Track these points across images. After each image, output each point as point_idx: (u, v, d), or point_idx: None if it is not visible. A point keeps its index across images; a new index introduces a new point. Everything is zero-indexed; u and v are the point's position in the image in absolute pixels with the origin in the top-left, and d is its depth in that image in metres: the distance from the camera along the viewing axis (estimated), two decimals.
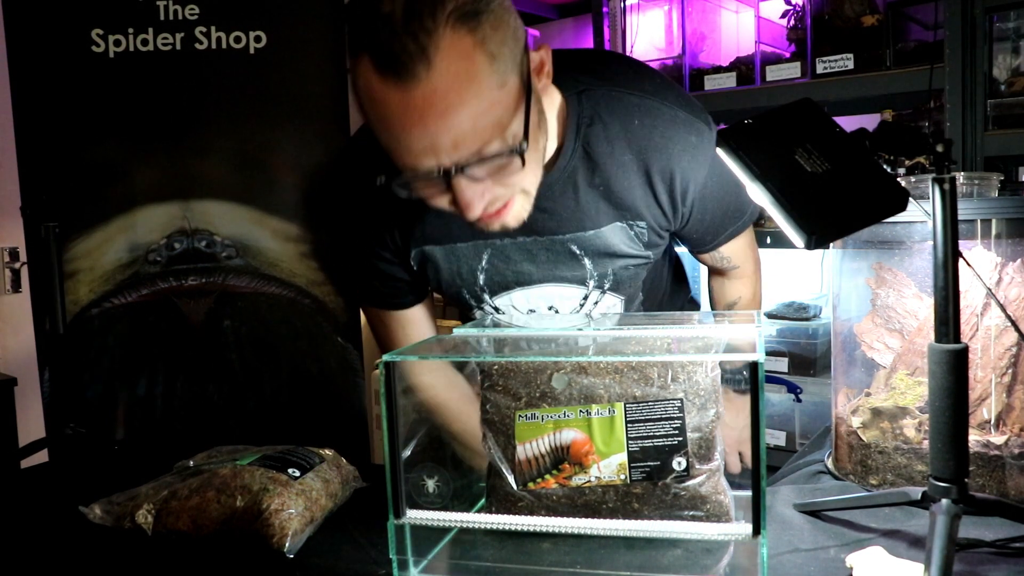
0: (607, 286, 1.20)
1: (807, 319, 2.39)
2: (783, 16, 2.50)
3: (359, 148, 1.15)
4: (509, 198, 0.98)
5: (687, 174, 1.12)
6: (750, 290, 1.38)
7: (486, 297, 1.20)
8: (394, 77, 0.83)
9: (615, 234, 1.14)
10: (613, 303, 1.24)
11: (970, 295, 1.07)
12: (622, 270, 1.19)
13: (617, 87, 1.10)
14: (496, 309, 1.21)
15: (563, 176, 1.10)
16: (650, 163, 1.10)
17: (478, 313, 1.23)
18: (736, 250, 1.29)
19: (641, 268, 1.22)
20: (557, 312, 1.22)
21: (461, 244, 1.16)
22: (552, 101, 1.07)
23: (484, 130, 0.87)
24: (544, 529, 0.88)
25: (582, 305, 1.21)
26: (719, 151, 0.88)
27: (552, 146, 1.08)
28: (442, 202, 0.95)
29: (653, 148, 1.09)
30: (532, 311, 1.21)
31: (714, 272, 1.39)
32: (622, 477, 0.89)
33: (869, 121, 2.52)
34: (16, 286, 2.55)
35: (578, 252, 1.15)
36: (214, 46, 2.07)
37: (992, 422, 1.09)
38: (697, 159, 1.11)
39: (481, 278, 1.18)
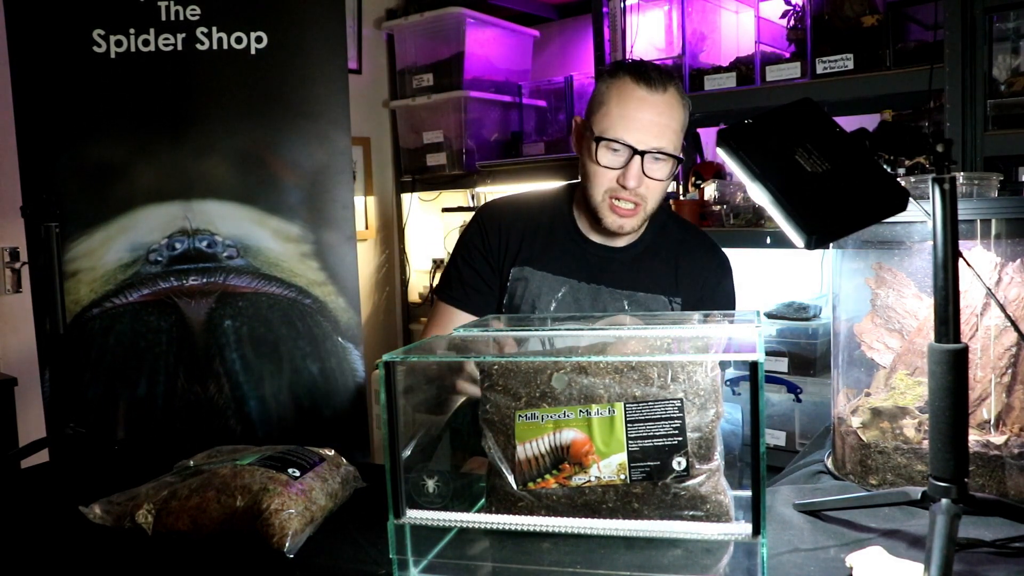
0: None
1: (807, 319, 2.38)
2: (783, 16, 2.49)
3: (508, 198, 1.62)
4: (641, 206, 1.40)
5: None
6: None
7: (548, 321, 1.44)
8: (646, 86, 1.37)
9: (657, 302, 1.47)
10: None
11: (970, 295, 1.07)
12: None
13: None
14: None
15: (634, 253, 1.50)
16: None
17: None
18: None
19: None
20: None
21: (550, 274, 1.46)
22: None
23: (669, 137, 1.38)
24: (544, 529, 0.88)
25: None
26: (719, 150, 0.88)
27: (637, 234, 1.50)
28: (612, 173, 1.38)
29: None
30: None
31: None
32: (622, 477, 0.89)
33: (869, 121, 2.52)
34: (16, 286, 2.55)
35: (627, 307, 1.46)
36: (215, 47, 2.07)
37: (992, 422, 1.09)
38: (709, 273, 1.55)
39: (552, 305, 1.45)
